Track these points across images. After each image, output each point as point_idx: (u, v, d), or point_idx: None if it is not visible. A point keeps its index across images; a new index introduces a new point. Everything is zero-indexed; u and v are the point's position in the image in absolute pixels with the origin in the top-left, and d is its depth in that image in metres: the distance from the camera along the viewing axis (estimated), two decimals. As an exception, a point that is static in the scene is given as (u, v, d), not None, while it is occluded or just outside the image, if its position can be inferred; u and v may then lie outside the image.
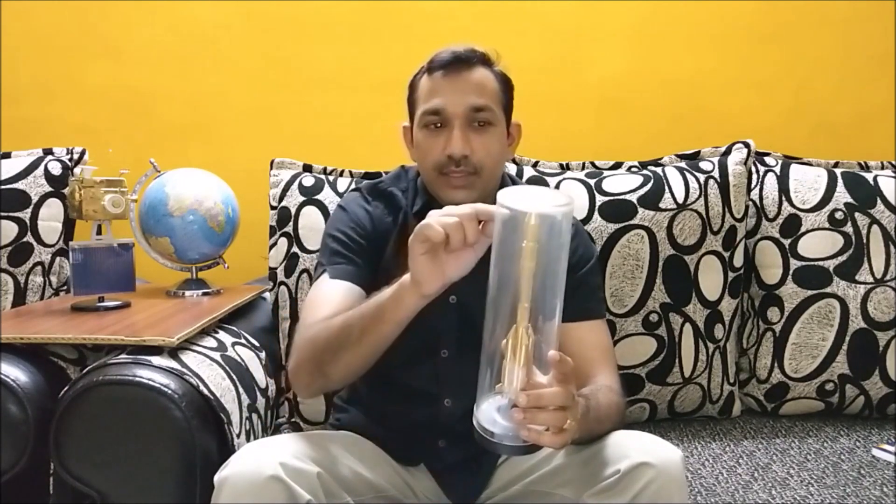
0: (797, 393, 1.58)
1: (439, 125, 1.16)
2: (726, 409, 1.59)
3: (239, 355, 1.31)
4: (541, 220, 0.85)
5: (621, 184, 1.55)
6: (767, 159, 1.67)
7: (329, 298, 1.13)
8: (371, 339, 1.01)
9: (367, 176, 1.59)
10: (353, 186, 1.56)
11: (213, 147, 1.94)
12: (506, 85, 1.21)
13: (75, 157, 1.72)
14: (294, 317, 1.52)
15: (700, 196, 1.54)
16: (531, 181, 1.55)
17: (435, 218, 0.91)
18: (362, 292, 1.14)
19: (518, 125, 1.26)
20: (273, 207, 1.58)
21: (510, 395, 0.87)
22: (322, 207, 1.53)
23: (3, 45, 1.91)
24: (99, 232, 1.45)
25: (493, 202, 1.19)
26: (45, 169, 1.68)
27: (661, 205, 1.53)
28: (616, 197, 1.53)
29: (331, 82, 1.95)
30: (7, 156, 1.71)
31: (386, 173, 1.37)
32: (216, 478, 0.96)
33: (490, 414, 0.88)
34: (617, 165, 1.62)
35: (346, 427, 1.22)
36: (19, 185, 1.65)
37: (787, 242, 1.59)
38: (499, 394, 0.88)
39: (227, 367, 1.23)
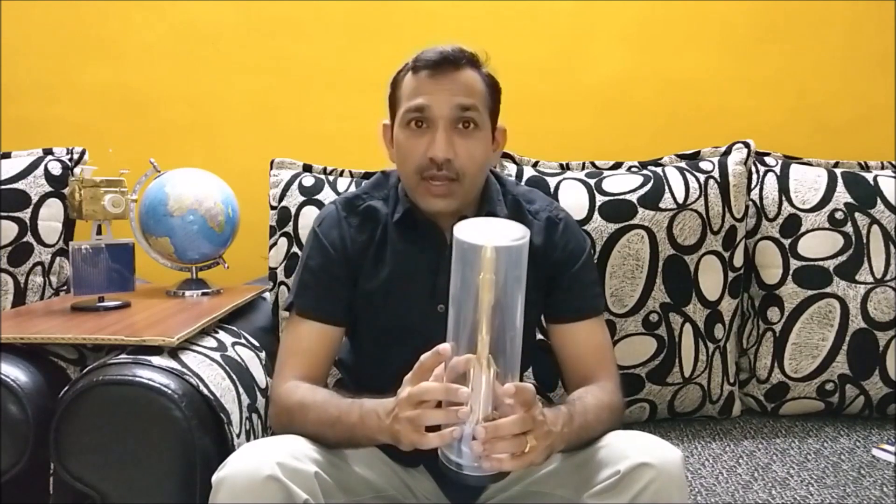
0: (797, 393, 1.58)
1: (422, 124, 1.13)
2: (726, 409, 1.59)
3: (239, 355, 1.31)
4: (497, 252, 0.87)
5: (621, 184, 1.55)
6: (767, 159, 1.67)
7: (301, 347, 1.17)
8: (342, 446, 1.08)
9: (366, 176, 1.59)
10: (348, 189, 1.56)
11: (213, 147, 1.94)
12: (493, 88, 1.17)
13: (75, 157, 1.72)
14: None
15: (700, 196, 1.54)
16: (531, 181, 1.55)
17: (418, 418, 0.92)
18: (335, 330, 1.19)
19: (503, 130, 1.23)
20: (273, 207, 1.58)
21: (472, 425, 0.89)
22: (322, 207, 1.53)
23: (3, 45, 1.91)
24: (99, 232, 1.45)
25: (474, 209, 1.20)
26: (45, 169, 1.68)
27: (661, 205, 1.52)
28: (616, 197, 1.53)
29: (331, 82, 1.95)
30: (7, 156, 1.71)
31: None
32: (214, 478, 0.96)
33: (454, 444, 0.90)
34: (617, 165, 1.62)
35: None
36: (19, 185, 1.65)
37: (787, 242, 1.59)
38: (463, 423, 0.89)
39: (227, 367, 1.23)
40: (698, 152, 1.63)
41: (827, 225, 1.59)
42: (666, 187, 1.54)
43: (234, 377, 1.23)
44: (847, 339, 1.56)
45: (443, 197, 1.13)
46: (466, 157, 1.13)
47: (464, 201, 1.17)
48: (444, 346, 0.91)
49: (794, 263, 1.58)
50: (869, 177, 1.65)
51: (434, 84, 1.12)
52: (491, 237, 0.88)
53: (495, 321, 0.88)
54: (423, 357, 0.93)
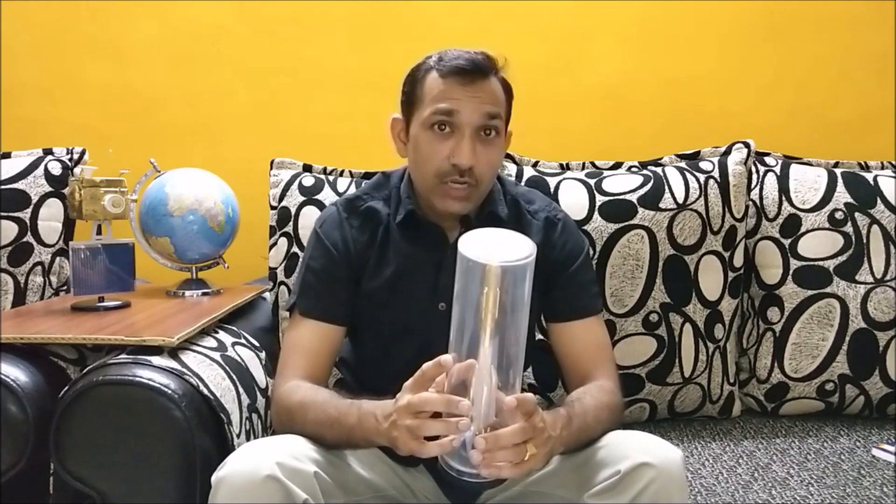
0: (797, 393, 1.58)
1: (445, 128, 1.13)
2: (726, 409, 1.59)
3: (239, 355, 1.31)
4: (502, 271, 0.87)
5: (621, 184, 1.55)
6: (767, 159, 1.67)
7: (303, 347, 1.17)
8: (341, 447, 1.07)
9: (366, 176, 1.59)
10: (348, 189, 1.57)
11: (213, 147, 1.94)
12: (508, 94, 1.18)
13: (75, 157, 1.72)
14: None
15: (700, 196, 1.54)
16: (531, 181, 1.55)
17: (417, 428, 0.91)
18: (337, 329, 1.19)
19: (510, 133, 1.23)
20: (273, 207, 1.58)
21: (473, 431, 0.89)
22: (322, 207, 1.53)
23: (3, 45, 1.91)
24: (99, 232, 1.45)
25: (476, 208, 1.19)
26: (45, 169, 1.68)
27: (661, 205, 1.52)
28: (616, 197, 1.53)
29: (331, 82, 1.95)
30: (7, 156, 1.71)
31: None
32: (213, 477, 0.95)
33: (454, 450, 0.90)
34: (617, 165, 1.62)
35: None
36: (19, 185, 1.65)
37: (787, 242, 1.59)
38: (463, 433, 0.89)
39: (227, 367, 1.23)
40: (698, 152, 1.63)
41: (827, 225, 1.59)
42: (666, 187, 1.54)
43: (234, 377, 1.23)
44: (847, 339, 1.56)
45: (462, 200, 1.14)
46: (486, 165, 1.14)
47: (476, 204, 1.19)
48: (447, 358, 0.91)
49: (794, 263, 1.58)
50: (869, 177, 1.65)
51: (463, 91, 1.12)
52: (496, 253, 0.88)
53: (498, 334, 0.88)
54: (424, 366, 0.93)
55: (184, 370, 1.13)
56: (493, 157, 1.16)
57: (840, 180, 1.63)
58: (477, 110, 1.12)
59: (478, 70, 1.12)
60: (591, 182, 1.56)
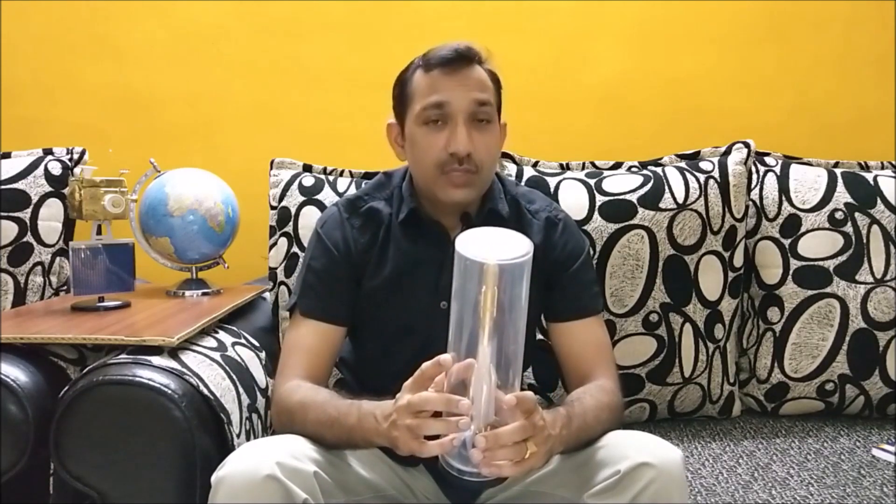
0: (797, 393, 1.58)
1: (439, 121, 1.14)
2: (726, 409, 1.59)
3: (239, 355, 1.31)
4: (500, 269, 0.87)
5: (621, 184, 1.55)
6: (767, 159, 1.67)
7: (304, 347, 1.17)
8: (341, 447, 1.07)
9: (366, 176, 1.59)
10: (348, 189, 1.56)
11: (213, 147, 1.94)
12: (497, 84, 1.19)
13: (75, 157, 1.72)
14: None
15: (700, 196, 1.54)
16: (531, 181, 1.55)
17: (418, 427, 0.91)
18: (337, 329, 1.19)
19: (504, 124, 1.24)
20: (273, 207, 1.58)
21: (473, 430, 0.89)
22: (322, 207, 1.53)
23: (3, 45, 1.91)
24: (99, 232, 1.45)
25: (476, 206, 1.20)
26: (45, 169, 1.68)
27: (661, 205, 1.52)
28: (616, 197, 1.53)
29: (331, 82, 1.95)
30: (7, 156, 1.71)
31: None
32: (213, 477, 0.95)
33: (455, 449, 0.90)
34: (617, 165, 1.62)
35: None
36: (19, 185, 1.65)
37: (787, 242, 1.59)
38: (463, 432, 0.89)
39: (227, 367, 1.23)
40: (698, 152, 1.63)
41: (827, 225, 1.59)
42: (666, 187, 1.54)
43: (234, 377, 1.23)
44: (847, 339, 1.56)
45: (464, 187, 1.14)
46: (485, 151, 1.15)
47: (479, 193, 1.19)
48: (446, 357, 0.91)
49: (794, 263, 1.58)
50: (869, 177, 1.65)
51: (450, 80, 1.13)
52: (494, 252, 0.88)
53: (497, 332, 0.88)
54: (423, 366, 0.93)
55: (184, 370, 1.13)
56: (490, 143, 1.16)
57: (840, 180, 1.63)
58: (466, 97, 1.13)
59: (461, 58, 1.14)
60: (591, 182, 1.56)
